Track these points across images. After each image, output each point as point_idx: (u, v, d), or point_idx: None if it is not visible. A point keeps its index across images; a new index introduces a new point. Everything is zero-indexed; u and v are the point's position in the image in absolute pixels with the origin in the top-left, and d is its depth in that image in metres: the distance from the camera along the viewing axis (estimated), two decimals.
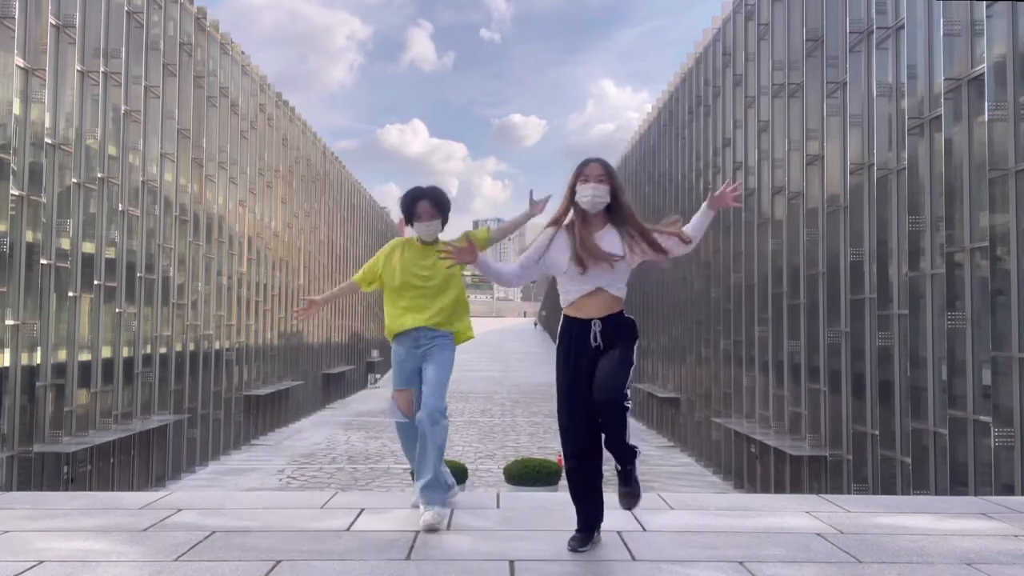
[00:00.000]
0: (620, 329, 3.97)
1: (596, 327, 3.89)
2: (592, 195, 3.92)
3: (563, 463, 4.00)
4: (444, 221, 4.94)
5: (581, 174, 3.98)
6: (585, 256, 3.83)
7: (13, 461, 19.34)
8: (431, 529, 4.15)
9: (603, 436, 3.83)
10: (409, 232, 4.89)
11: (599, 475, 3.94)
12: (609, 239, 4.00)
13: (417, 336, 4.72)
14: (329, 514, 4.56)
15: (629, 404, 3.87)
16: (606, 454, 3.88)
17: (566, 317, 4.00)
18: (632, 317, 4.11)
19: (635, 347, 4.07)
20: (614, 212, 4.08)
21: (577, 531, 3.86)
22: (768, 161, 25.96)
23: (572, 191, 3.96)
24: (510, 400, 54.30)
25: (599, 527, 3.92)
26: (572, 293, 3.97)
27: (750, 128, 27.90)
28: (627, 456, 3.84)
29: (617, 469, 3.87)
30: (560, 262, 3.91)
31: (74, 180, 21.99)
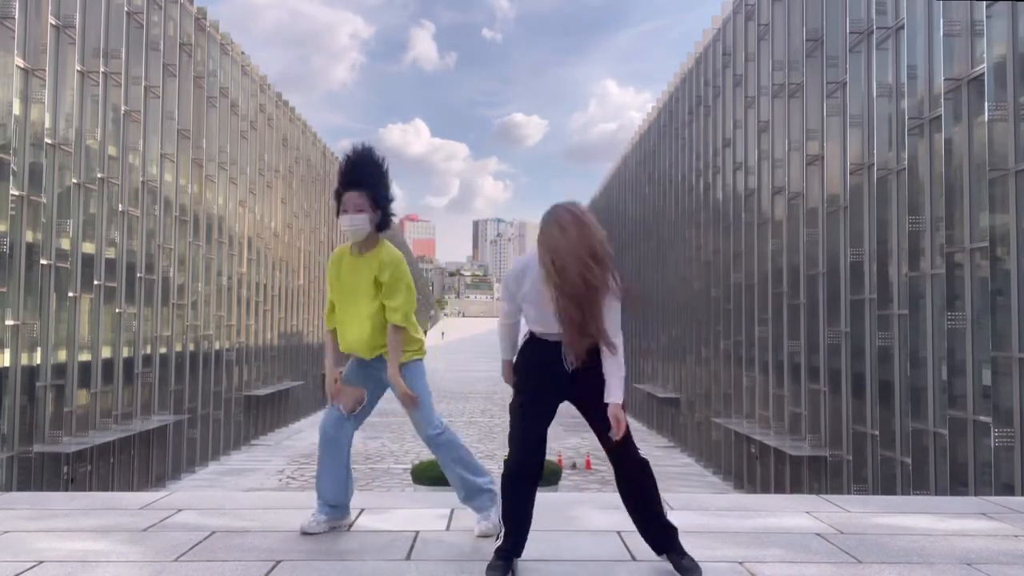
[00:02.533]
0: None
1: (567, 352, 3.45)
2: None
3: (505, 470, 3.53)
4: (379, 207, 4.02)
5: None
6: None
7: (13, 461, 19.34)
8: (485, 535, 3.97)
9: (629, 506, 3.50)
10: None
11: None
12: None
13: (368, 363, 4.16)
14: None
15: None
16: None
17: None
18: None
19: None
20: None
21: (499, 557, 3.43)
22: (768, 161, 25.95)
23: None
24: (510, 400, 54.09)
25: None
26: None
27: (750, 128, 27.90)
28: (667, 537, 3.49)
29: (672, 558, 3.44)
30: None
31: (74, 180, 21.99)
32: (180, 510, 4.63)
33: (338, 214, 4.02)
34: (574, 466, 30.08)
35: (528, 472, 3.45)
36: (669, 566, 3.45)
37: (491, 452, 32.92)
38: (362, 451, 34.19)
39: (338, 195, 4.05)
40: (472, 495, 4.10)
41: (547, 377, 3.50)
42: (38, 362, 20.27)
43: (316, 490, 4.19)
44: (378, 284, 3.99)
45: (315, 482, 4.22)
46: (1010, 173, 14.02)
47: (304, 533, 4.04)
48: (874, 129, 19.13)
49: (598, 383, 3.42)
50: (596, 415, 3.45)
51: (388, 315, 4.00)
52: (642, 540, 3.54)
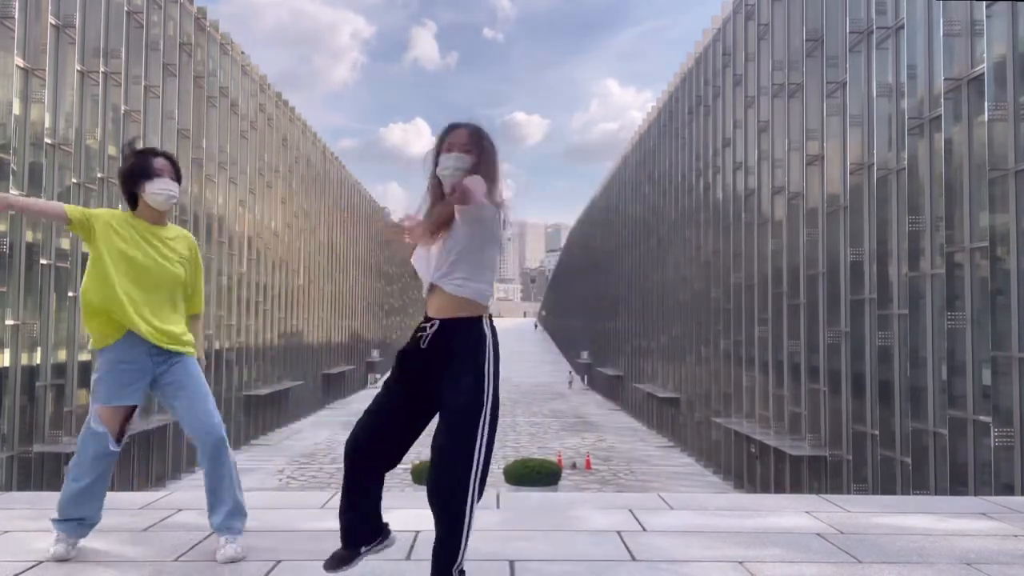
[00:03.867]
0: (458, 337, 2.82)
1: (430, 329, 2.84)
2: (452, 166, 2.88)
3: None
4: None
5: (444, 142, 2.99)
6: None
7: (13, 461, 19.34)
8: (233, 560, 3.52)
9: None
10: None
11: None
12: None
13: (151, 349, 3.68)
14: (329, 514, 4.56)
15: (469, 500, 2.74)
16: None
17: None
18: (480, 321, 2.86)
19: (487, 369, 2.80)
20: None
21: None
22: (768, 161, 25.96)
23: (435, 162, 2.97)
24: (510, 400, 54.25)
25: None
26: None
27: (750, 128, 27.90)
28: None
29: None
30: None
31: (74, 180, 21.99)
32: (180, 510, 4.63)
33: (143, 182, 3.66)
34: (574, 466, 30.09)
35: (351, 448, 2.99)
36: (669, 566, 3.45)
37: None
38: None
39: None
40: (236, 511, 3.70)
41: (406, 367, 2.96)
42: (38, 362, 20.28)
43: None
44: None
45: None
46: (1010, 173, 14.02)
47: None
48: (874, 129, 19.13)
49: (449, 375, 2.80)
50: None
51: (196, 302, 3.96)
52: (642, 540, 3.54)
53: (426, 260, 2.88)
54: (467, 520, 2.75)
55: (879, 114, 18.87)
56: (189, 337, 3.81)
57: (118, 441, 3.72)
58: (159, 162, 3.70)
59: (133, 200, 3.70)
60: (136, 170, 3.67)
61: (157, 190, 3.66)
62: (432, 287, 2.85)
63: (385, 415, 2.94)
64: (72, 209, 3.62)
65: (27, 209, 3.79)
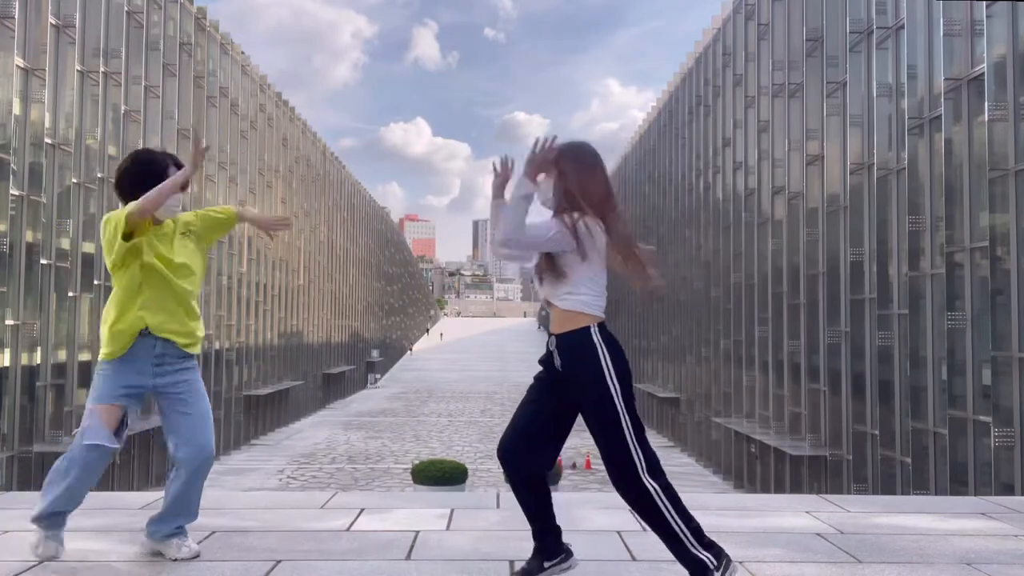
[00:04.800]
0: (579, 355, 3.08)
1: (551, 345, 3.15)
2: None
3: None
4: None
5: None
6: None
7: (13, 461, 19.34)
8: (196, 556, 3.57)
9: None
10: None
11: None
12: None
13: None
14: (329, 514, 4.56)
15: (653, 486, 2.98)
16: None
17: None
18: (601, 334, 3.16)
19: (612, 382, 3.06)
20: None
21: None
22: (768, 161, 25.96)
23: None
24: (510, 400, 54.25)
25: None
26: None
27: (750, 128, 27.90)
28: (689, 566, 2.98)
29: None
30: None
31: (74, 180, 21.99)
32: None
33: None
34: (574, 466, 30.09)
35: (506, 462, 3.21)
36: (669, 566, 3.44)
37: (490, 452, 32.90)
38: (362, 451, 34.20)
39: None
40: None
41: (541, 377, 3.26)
42: (38, 362, 20.27)
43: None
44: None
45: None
46: (1010, 173, 14.02)
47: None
48: (874, 129, 19.13)
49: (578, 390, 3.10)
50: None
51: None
52: (642, 540, 3.54)
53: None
54: (663, 509, 2.98)
55: (879, 114, 18.87)
56: (199, 335, 3.74)
57: (117, 436, 3.60)
58: (171, 172, 3.59)
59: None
60: (154, 177, 3.55)
61: (174, 203, 3.59)
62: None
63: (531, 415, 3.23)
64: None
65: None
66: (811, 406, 22.31)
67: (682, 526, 2.98)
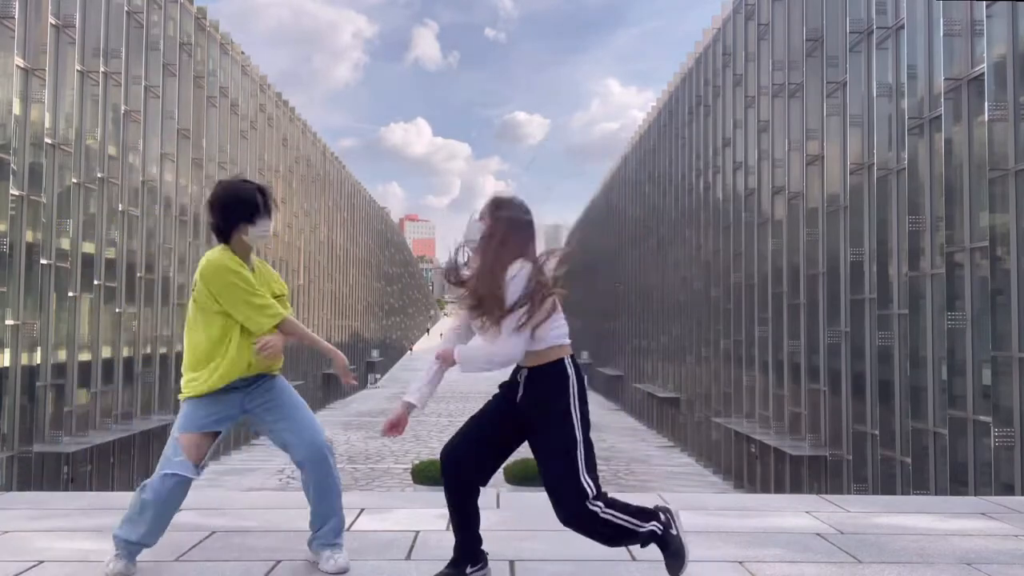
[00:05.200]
0: (550, 388, 3.17)
1: (520, 377, 3.23)
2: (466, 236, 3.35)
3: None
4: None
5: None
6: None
7: (13, 461, 19.33)
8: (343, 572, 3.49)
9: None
10: (255, 233, 3.58)
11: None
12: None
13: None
14: None
15: (597, 505, 3.11)
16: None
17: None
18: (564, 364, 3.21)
19: (572, 408, 3.14)
20: None
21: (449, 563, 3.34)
22: (768, 161, 25.95)
23: None
24: None
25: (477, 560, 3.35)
26: None
27: (750, 128, 27.90)
28: (626, 540, 3.27)
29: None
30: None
31: (74, 180, 21.99)
32: (181, 510, 4.63)
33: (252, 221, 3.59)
34: None
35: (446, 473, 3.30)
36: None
37: None
38: (362, 451, 34.20)
39: None
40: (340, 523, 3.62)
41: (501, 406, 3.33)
42: (38, 362, 20.26)
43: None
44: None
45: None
46: (1010, 173, 14.02)
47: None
48: (874, 129, 19.13)
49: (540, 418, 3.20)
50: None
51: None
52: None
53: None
54: (613, 519, 3.16)
55: (879, 114, 18.86)
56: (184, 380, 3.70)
57: (198, 467, 3.51)
58: (260, 200, 3.54)
59: (226, 233, 3.53)
60: (247, 206, 3.51)
61: (262, 232, 3.58)
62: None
63: None
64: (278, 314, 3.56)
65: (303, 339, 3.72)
66: (811, 406, 22.30)
67: (628, 520, 3.16)
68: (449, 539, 4.04)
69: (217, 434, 3.57)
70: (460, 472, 3.27)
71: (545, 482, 3.16)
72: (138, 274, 25.88)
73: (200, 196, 30.94)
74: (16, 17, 18.81)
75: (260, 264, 3.75)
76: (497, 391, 3.35)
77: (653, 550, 3.58)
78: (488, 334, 3.15)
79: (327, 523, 3.53)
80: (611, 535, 3.18)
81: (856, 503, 4.99)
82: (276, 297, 3.69)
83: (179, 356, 30.34)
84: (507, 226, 3.21)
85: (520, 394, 3.20)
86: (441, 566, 3.31)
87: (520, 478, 19.14)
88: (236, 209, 3.50)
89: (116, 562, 3.39)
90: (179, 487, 3.44)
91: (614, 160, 58.49)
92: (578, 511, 3.10)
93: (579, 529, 3.17)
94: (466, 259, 3.31)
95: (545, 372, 3.16)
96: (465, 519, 3.30)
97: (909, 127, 17.24)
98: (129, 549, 3.42)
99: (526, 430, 3.22)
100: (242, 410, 3.59)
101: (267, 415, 3.59)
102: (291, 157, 44.75)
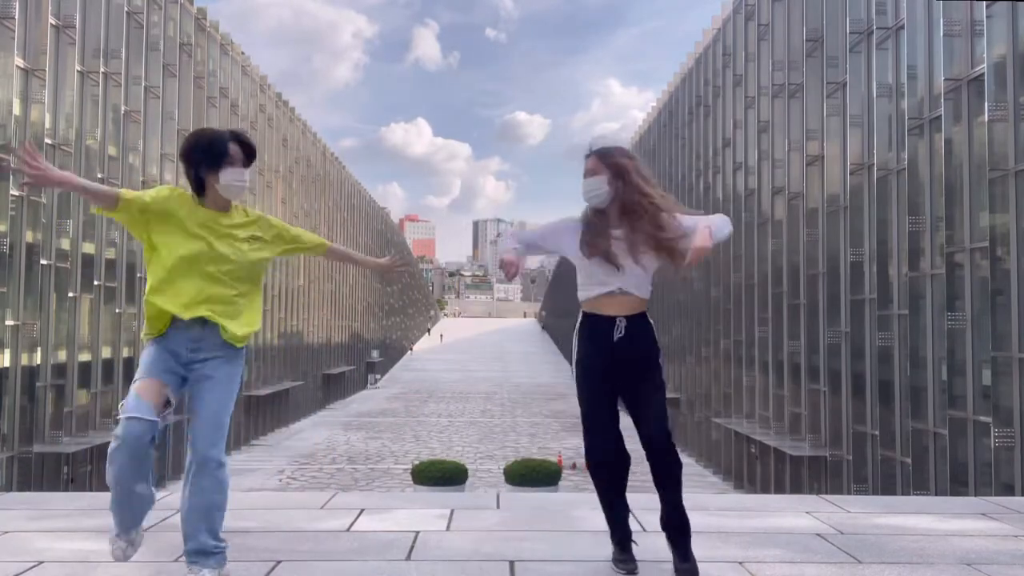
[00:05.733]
0: (647, 335, 3.43)
1: (621, 323, 3.37)
2: (586, 191, 3.39)
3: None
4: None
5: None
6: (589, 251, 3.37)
7: (13, 461, 19.34)
8: None
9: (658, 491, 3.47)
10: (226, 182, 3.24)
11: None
12: (616, 241, 3.36)
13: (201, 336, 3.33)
14: (329, 514, 4.56)
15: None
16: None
17: (584, 314, 3.46)
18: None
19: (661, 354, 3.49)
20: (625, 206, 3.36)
21: (617, 551, 3.52)
22: (768, 161, 25.96)
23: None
24: (510, 401, 54.26)
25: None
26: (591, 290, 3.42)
27: (750, 128, 27.91)
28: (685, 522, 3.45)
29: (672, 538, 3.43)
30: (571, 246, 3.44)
31: None
32: (180, 510, 4.63)
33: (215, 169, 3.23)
34: (574, 466, 30.07)
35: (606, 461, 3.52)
36: (669, 566, 3.45)
37: (490, 453, 32.92)
38: (362, 451, 34.20)
39: None
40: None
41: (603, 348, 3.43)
42: (38, 362, 20.27)
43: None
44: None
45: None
46: (1010, 173, 14.02)
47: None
48: (874, 129, 19.13)
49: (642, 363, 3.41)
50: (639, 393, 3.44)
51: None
52: (642, 540, 3.54)
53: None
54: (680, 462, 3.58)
55: (879, 114, 18.87)
56: (245, 333, 3.47)
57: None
58: (232, 148, 3.22)
59: (200, 184, 3.27)
60: (205, 153, 3.20)
61: (235, 180, 3.25)
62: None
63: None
64: (126, 194, 3.13)
65: (85, 189, 3.12)
66: (811, 406, 22.31)
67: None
68: (449, 539, 4.04)
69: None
70: (618, 467, 3.49)
71: (652, 413, 3.38)
72: (138, 274, 25.86)
73: None
74: (16, 17, 18.82)
75: (252, 212, 3.58)
76: (577, 366, 3.44)
77: (653, 550, 3.58)
78: (636, 265, 3.32)
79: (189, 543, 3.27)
80: (679, 481, 3.48)
81: (856, 503, 4.98)
82: (277, 235, 3.75)
83: None
84: (630, 158, 3.40)
85: (622, 338, 3.36)
86: (442, 566, 3.30)
87: (519, 478, 19.13)
88: (203, 157, 3.19)
89: (117, 541, 3.31)
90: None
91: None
92: (669, 441, 3.41)
93: (670, 455, 3.41)
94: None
95: (645, 320, 3.42)
96: (623, 514, 3.56)
97: (909, 127, 17.24)
98: (122, 533, 3.33)
99: (621, 377, 3.39)
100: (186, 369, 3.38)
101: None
102: (291, 157, 44.75)
